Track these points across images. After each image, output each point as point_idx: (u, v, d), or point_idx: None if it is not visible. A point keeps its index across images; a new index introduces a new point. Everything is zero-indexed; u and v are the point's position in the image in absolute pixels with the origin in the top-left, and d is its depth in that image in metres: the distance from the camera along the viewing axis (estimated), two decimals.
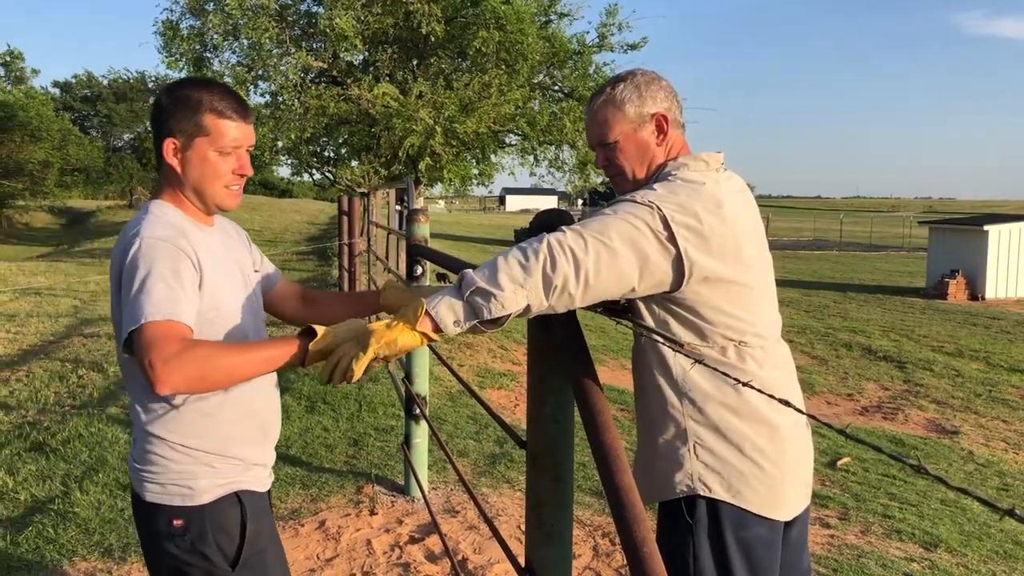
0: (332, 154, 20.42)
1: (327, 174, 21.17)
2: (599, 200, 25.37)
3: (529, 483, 2.15)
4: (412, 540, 3.92)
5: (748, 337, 1.91)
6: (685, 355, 1.63)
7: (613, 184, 2.13)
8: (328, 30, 14.44)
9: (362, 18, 14.73)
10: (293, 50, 15.49)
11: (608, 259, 1.72)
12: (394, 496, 4.45)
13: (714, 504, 1.91)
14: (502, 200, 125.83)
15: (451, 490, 4.61)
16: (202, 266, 1.79)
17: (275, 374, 1.94)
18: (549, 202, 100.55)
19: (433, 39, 14.92)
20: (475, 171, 18.72)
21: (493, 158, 18.56)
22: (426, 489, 4.46)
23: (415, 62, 16.49)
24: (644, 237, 1.75)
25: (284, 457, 4.94)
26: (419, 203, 19.76)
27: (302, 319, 2.18)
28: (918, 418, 8.69)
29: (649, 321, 1.91)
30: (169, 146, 1.83)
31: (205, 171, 1.85)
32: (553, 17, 16.43)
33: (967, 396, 9.82)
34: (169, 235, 1.75)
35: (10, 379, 6.71)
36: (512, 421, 6.20)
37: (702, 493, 1.92)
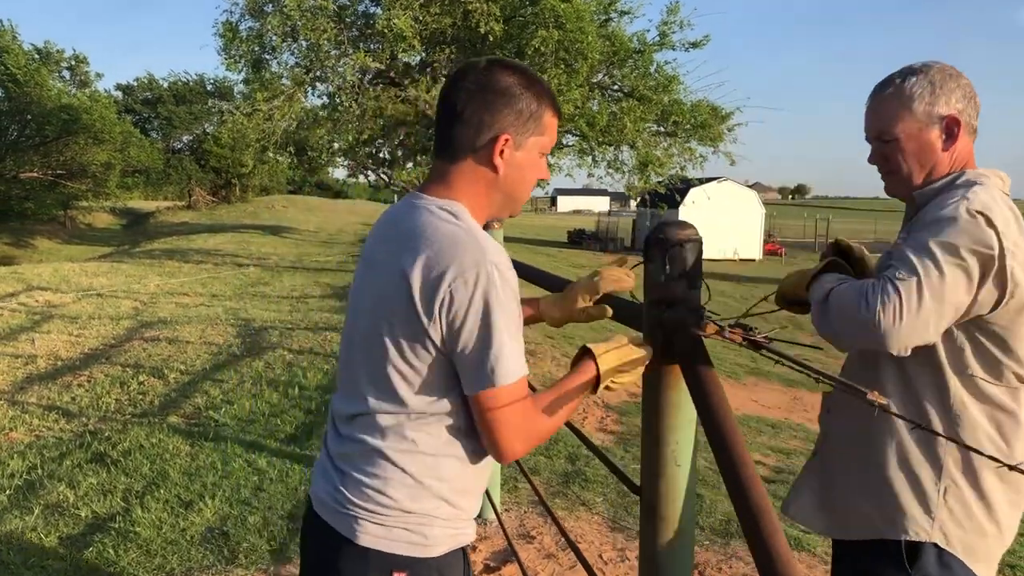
0: (388, 155, 20.35)
1: (382, 175, 21.11)
2: (658, 202, 24.80)
3: (644, 535, 1.89)
4: (487, 569, 3.68)
5: None
6: (908, 421, 1.37)
7: (884, 182, 1.95)
8: (386, 31, 14.30)
9: (420, 18, 14.57)
10: (351, 51, 15.40)
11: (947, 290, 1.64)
12: None
13: (945, 558, 1.74)
14: (553, 201, 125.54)
15: (524, 512, 4.36)
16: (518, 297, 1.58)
17: None
18: (601, 203, 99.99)
19: (491, 39, 14.70)
20: None
21: (550, 159, 18.30)
22: (500, 511, 4.22)
23: None
24: (977, 279, 1.64)
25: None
26: None
27: None
28: None
29: (941, 347, 1.73)
30: (502, 142, 1.56)
31: (527, 175, 1.62)
32: (613, 15, 16.08)
33: None
34: (511, 266, 1.52)
35: (72, 384, 6.64)
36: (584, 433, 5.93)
37: (940, 544, 1.74)
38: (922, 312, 1.60)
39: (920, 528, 1.75)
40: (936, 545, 1.75)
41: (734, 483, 1.40)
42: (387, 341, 1.49)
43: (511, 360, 1.44)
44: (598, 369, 1.62)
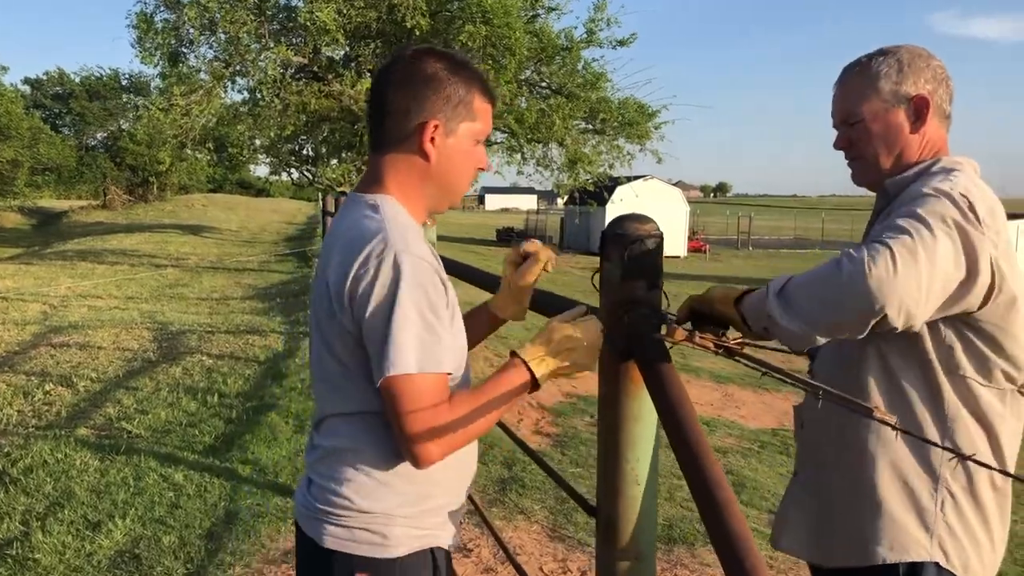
0: (311, 152, 19.88)
1: (306, 173, 20.61)
2: (587, 200, 24.86)
3: (601, 559, 1.72)
4: None
5: None
6: (898, 429, 1.18)
7: (852, 170, 1.83)
8: (308, 24, 13.89)
9: (344, 11, 14.20)
10: (272, 44, 14.92)
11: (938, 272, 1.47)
12: None
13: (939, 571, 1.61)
14: (481, 199, 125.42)
15: (460, 523, 4.15)
16: (448, 292, 1.52)
17: None
18: (529, 201, 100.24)
19: (418, 33, 14.41)
20: None
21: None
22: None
23: None
24: (967, 257, 1.50)
25: (272, 485, 4.47)
26: None
27: None
28: None
29: (928, 344, 1.60)
30: (430, 129, 1.52)
31: (462, 164, 1.58)
32: (541, 11, 15.94)
33: None
34: (424, 252, 1.46)
35: None
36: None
37: (941, 563, 1.61)
38: (918, 266, 1.43)
39: (920, 547, 1.61)
40: (936, 565, 1.62)
41: (709, 510, 1.23)
42: (326, 344, 1.50)
43: (413, 350, 1.39)
44: (532, 372, 1.51)
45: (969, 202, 1.51)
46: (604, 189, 19.87)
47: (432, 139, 1.52)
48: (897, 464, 1.64)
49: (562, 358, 1.52)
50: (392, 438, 1.48)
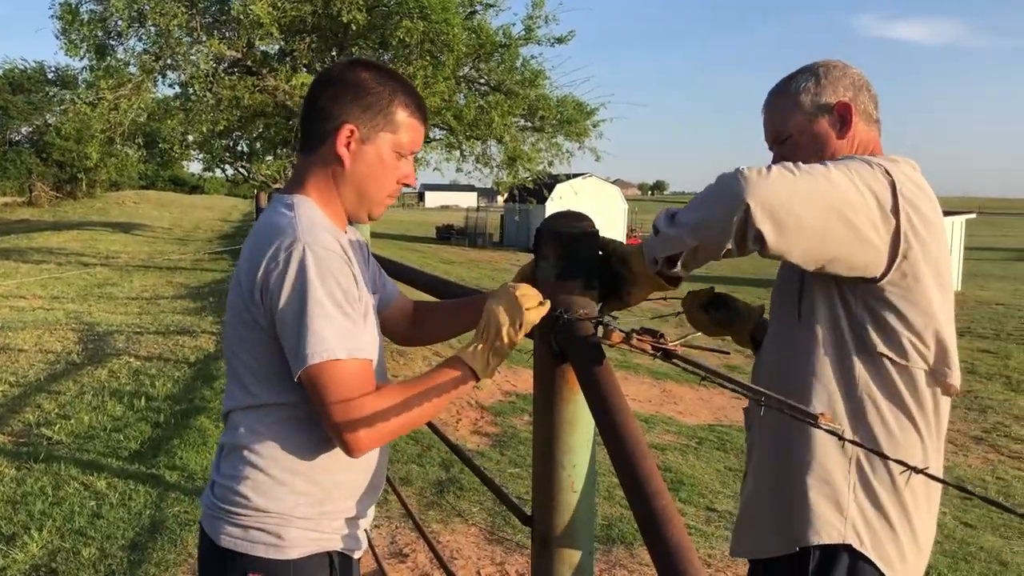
0: (246, 148, 19.49)
1: (240, 169, 20.20)
2: (527, 197, 25.00)
3: (537, 567, 1.65)
4: None
5: (944, 369, 1.60)
6: (826, 430, 1.12)
7: None
8: (242, 17, 13.61)
9: (278, 5, 13.92)
10: (204, 38, 14.56)
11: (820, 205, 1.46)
12: None
13: (860, 566, 1.57)
14: (421, 196, 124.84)
15: (396, 528, 4.06)
16: (360, 286, 1.50)
17: None
18: (469, 198, 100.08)
19: (354, 28, 14.21)
20: None
21: (417, 153, 17.91)
22: (369, 528, 3.91)
23: (335, 52, 15.74)
24: (863, 196, 1.49)
25: (200, 492, 4.31)
26: None
27: (409, 341, 1.95)
28: None
29: (844, 322, 1.60)
30: (346, 133, 1.52)
31: (377, 172, 1.57)
32: (478, 8, 15.86)
33: None
34: (334, 246, 1.45)
35: None
36: (456, 440, 5.67)
37: (855, 545, 1.57)
38: (795, 177, 1.44)
39: (833, 529, 1.58)
40: (850, 548, 1.58)
41: (647, 521, 1.17)
42: (234, 338, 1.49)
43: (332, 336, 1.38)
44: (473, 371, 1.50)
45: (884, 169, 1.53)
46: (544, 187, 19.86)
47: (348, 144, 1.52)
48: (814, 448, 1.62)
49: (491, 336, 1.50)
50: (295, 435, 1.48)
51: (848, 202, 1.47)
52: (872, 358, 1.59)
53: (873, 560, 1.58)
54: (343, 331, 1.39)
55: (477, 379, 1.51)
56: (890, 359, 1.58)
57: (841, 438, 1.03)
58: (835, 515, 1.59)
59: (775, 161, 1.78)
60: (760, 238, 1.43)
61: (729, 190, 1.44)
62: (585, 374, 1.43)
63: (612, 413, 1.33)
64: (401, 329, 1.90)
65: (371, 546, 3.17)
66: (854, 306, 1.59)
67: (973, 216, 22.50)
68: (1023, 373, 10.94)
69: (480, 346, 1.50)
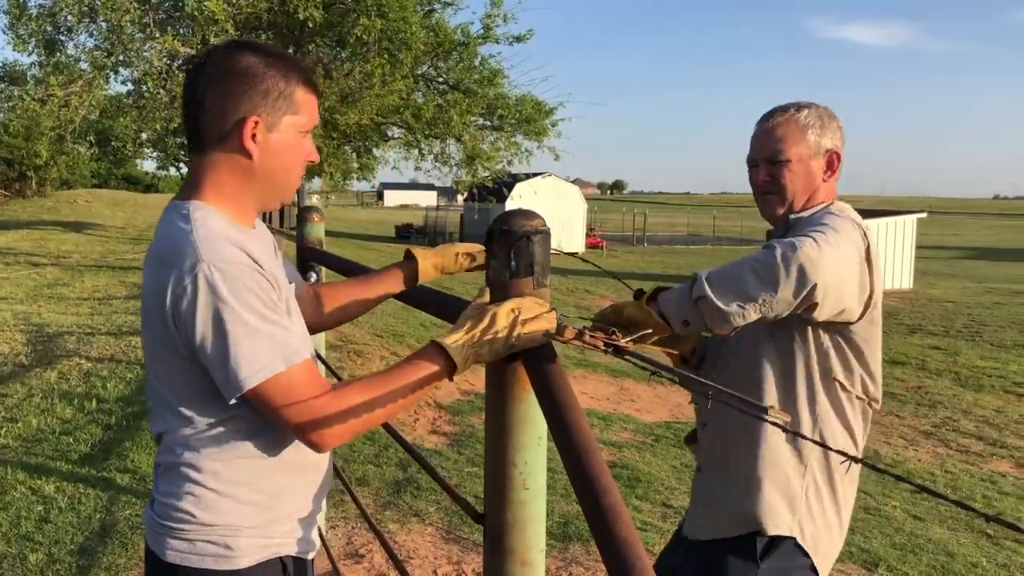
0: None
1: None
2: (486, 196, 25.08)
3: (488, 566, 1.65)
4: None
5: (877, 396, 1.91)
6: (777, 424, 1.21)
7: (760, 203, 2.02)
8: (196, 13, 13.41)
9: (233, 1, 13.78)
10: (158, 34, 14.32)
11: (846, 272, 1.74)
12: None
13: (795, 552, 1.85)
14: (380, 195, 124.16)
15: (353, 528, 4.04)
16: (279, 288, 1.44)
17: None
18: (428, 197, 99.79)
19: (311, 25, 14.10)
20: (356, 165, 17.92)
21: (376, 151, 17.82)
22: (324, 529, 3.88)
23: (291, 49, 15.60)
24: (860, 261, 1.77)
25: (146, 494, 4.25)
26: (312, 200, 18.89)
27: (319, 326, 1.88)
28: None
29: (811, 348, 1.86)
30: (250, 126, 1.43)
31: (287, 158, 1.50)
32: (437, 6, 15.84)
33: None
34: (239, 257, 1.36)
35: None
36: (414, 439, 5.65)
37: (798, 539, 1.85)
38: (837, 250, 1.69)
39: (784, 523, 1.84)
40: (794, 540, 1.85)
41: (595, 518, 1.17)
42: (155, 361, 1.44)
43: (260, 355, 1.32)
44: (452, 360, 1.41)
45: (856, 223, 1.83)
46: (503, 185, 19.90)
47: (253, 136, 1.44)
48: (774, 453, 1.87)
49: (478, 333, 1.42)
50: (234, 448, 1.44)
51: (856, 270, 1.75)
52: (828, 381, 1.86)
53: (807, 550, 1.86)
54: (274, 342, 1.34)
55: (452, 374, 1.43)
56: (841, 385, 1.86)
57: (786, 430, 1.06)
58: (788, 512, 1.86)
59: (760, 176, 1.97)
60: (811, 309, 1.69)
61: (793, 267, 1.64)
62: (536, 371, 1.44)
63: (562, 410, 1.33)
64: (308, 314, 1.83)
65: (326, 547, 3.14)
66: (823, 336, 1.84)
67: (924, 215, 22.92)
68: (971, 369, 11.19)
69: (465, 336, 1.41)
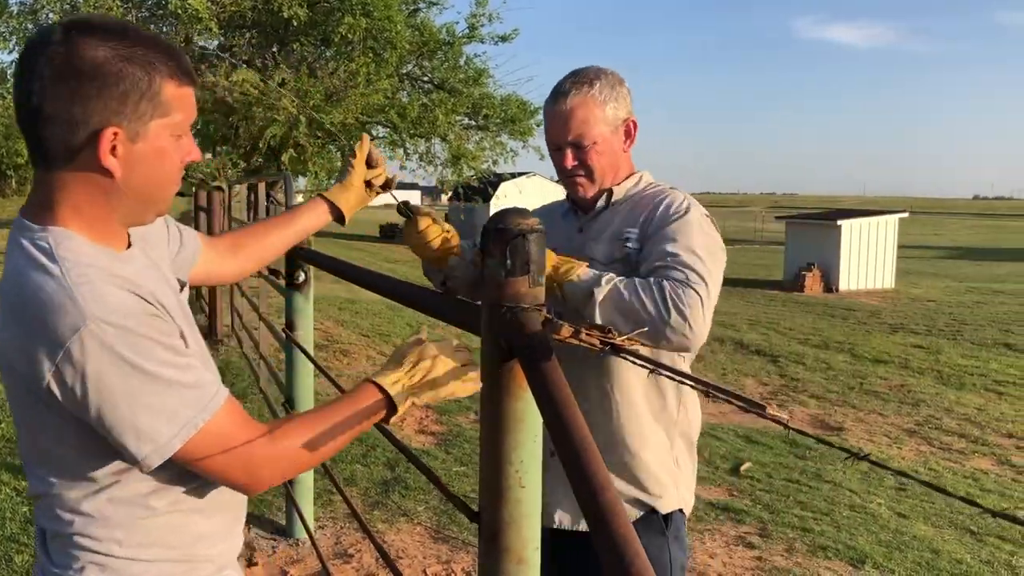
0: None
1: None
2: (471, 195, 25.08)
3: (484, 567, 1.66)
4: None
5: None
6: (695, 387, 1.23)
7: (570, 186, 2.00)
8: (180, 11, 13.35)
9: None
10: None
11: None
12: (275, 540, 3.84)
13: (679, 516, 2.01)
14: None
15: (341, 528, 4.03)
16: (173, 316, 1.21)
17: None
18: (413, 197, 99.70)
19: (296, 24, 14.06)
20: (341, 164, 17.87)
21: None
22: (312, 529, 3.87)
23: (276, 48, 15.54)
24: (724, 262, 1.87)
25: None
26: (298, 199, 18.71)
27: (239, 273, 1.79)
28: (802, 415, 8.69)
29: None
30: (108, 139, 1.14)
31: (158, 170, 1.22)
32: (422, 5, 15.87)
33: (842, 390, 9.96)
34: (131, 304, 1.13)
35: None
36: (401, 439, 5.64)
37: (683, 508, 2.00)
38: (711, 302, 1.73)
39: (673, 499, 1.98)
40: (681, 511, 2.01)
41: (593, 514, 1.18)
42: (26, 420, 1.20)
43: (179, 412, 1.13)
44: (389, 397, 1.37)
45: (712, 221, 1.89)
46: (488, 185, 19.91)
47: (113, 150, 1.15)
48: (647, 437, 1.95)
49: (419, 375, 1.42)
50: (135, 509, 1.23)
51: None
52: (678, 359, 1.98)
53: (685, 512, 2.03)
54: (191, 391, 1.15)
55: (390, 415, 1.38)
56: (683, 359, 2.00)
57: (786, 427, 1.06)
58: (674, 489, 1.99)
59: (567, 160, 1.93)
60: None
61: (682, 342, 1.69)
62: (532, 369, 1.44)
63: (559, 407, 1.34)
64: (226, 270, 1.72)
65: (315, 547, 3.14)
66: None
67: (905, 215, 23.12)
68: (953, 368, 11.29)
69: (403, 378, 1.40)
